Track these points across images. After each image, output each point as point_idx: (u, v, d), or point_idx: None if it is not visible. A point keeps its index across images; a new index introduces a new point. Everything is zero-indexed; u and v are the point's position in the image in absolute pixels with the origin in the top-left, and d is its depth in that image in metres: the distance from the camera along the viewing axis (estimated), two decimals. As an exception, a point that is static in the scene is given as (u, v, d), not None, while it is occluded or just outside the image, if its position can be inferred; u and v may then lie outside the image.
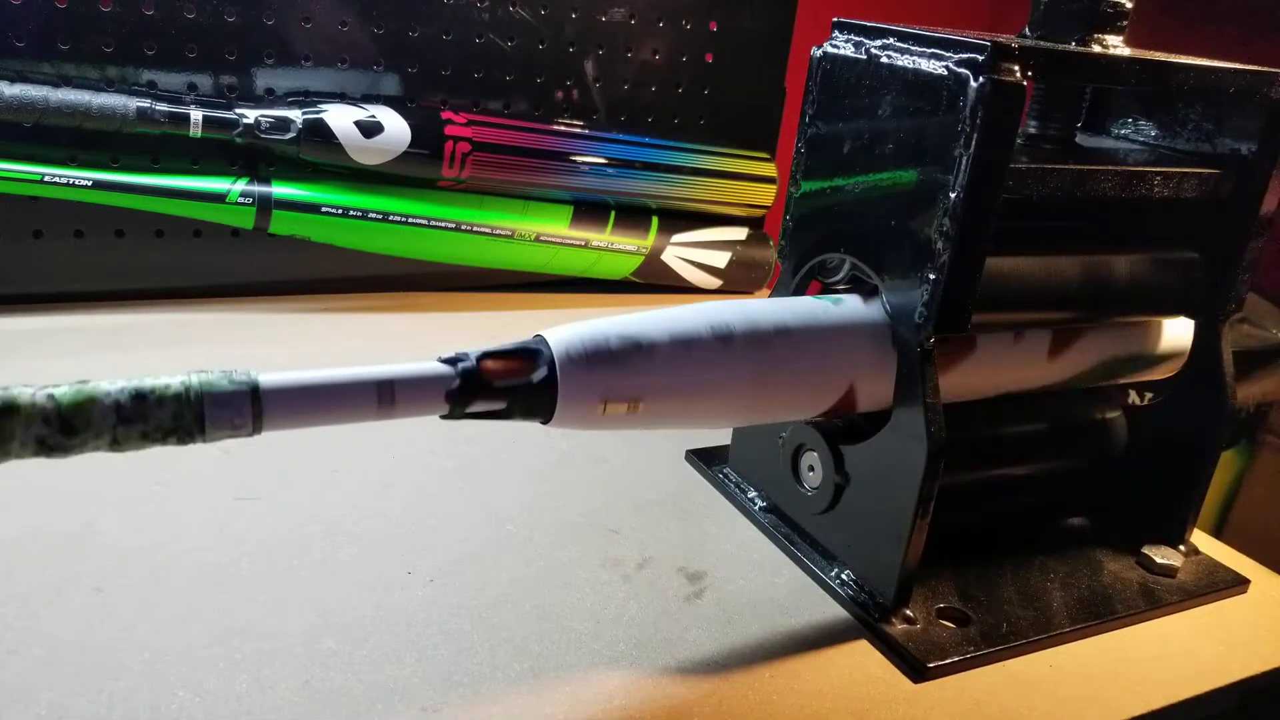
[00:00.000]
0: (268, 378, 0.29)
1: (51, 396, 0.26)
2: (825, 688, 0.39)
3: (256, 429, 0.28)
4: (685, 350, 0.37)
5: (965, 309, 0.39)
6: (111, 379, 0.27)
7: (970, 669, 0.41)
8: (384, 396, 0.30)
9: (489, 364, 0.33)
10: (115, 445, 0.26)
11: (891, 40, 0.41)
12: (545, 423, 0.35)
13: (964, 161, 0.37)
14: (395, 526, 0.46)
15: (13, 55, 0.61)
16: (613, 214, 0.78)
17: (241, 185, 0.66)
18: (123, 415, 0.26)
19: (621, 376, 0.36)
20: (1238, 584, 0.48)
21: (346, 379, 0.30)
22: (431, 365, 0.32)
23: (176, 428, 0.27)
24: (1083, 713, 0.39)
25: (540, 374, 0.34)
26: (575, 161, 0.75)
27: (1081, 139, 0.50)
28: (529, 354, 0.34)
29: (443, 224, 0.72)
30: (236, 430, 0.28)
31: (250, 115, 0.65)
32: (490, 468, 0.52)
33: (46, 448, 0.26)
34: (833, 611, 0.43)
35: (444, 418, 0.33)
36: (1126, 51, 0.42)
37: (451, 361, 0.32)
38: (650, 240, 0.79)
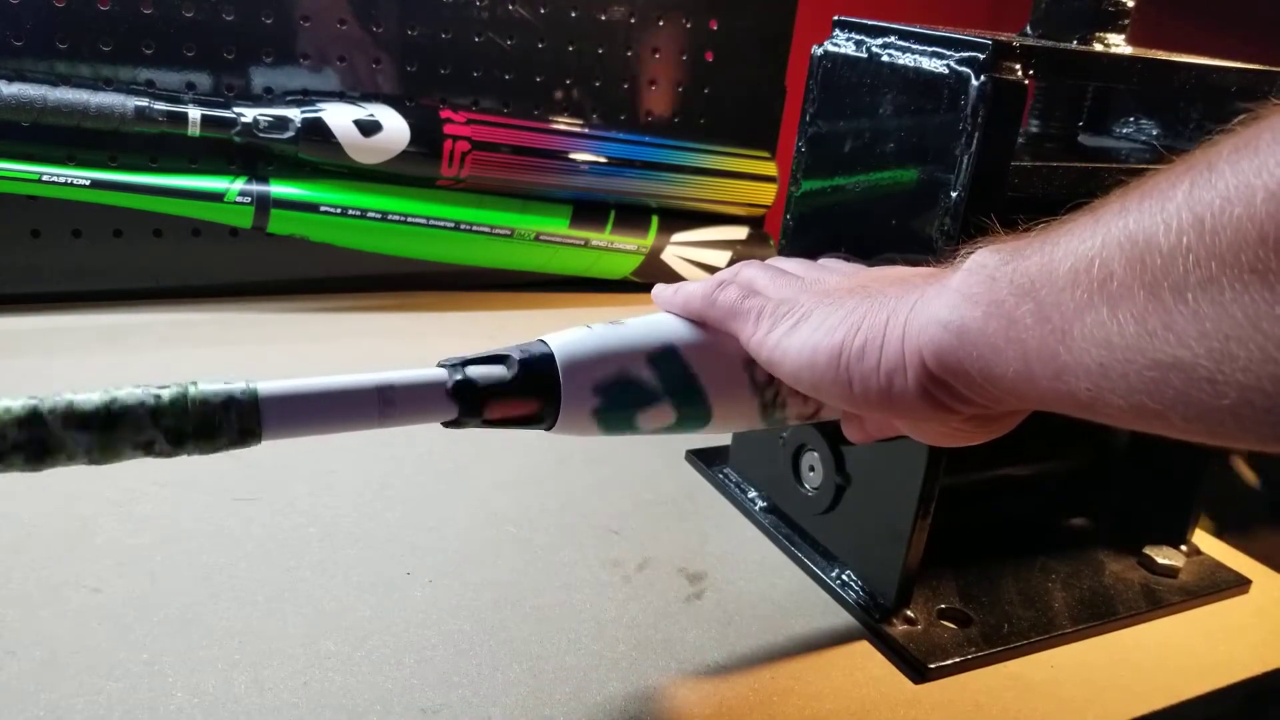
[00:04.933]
0: (267, 386, 0.28)
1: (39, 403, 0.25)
2: (826, 689, 0.39)
3: (256, 439, 0.28)
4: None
5: (967, 309, 0.39)
6: (109, 386, 0.27)
7: (971, 670, 0.41)
8: (384, 402, 0.30)
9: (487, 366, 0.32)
10: (108, 455, 0.26)
11: (893, 39, 0.41)
12: (549, 428, 0.34)
13: (965, 161, 0.37)
14: (394, 528, 0.46)
15: (11, 54, 0.61)
16: (612, 214, 0.78)
17: (240, 184, 0.65)
18: (121, 423, 0.26)
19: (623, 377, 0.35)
20: (1239, 584, 0.48)
21: (346, 386, 0.30)
22: (431, 369, 0.32)
23: (176, 438, 0.27)
24: (1084, 713, 0.39)
25: (541, 363, 0.33)
26: (575, 161, 0.75)
27: (1084, 138, 0.49)
28: (529, 353, 0.34)
29: (442, 223, 0.71)
30: (236, 440, 0.28)
31: (249, 114, 0.65)
32: (490, 469, 0.52)
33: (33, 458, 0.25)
34: (834, 612, 0.43)
35: (447, 425, 0.32)
36: (1128, 50, 0.42)
37: (450, 364, 0.32)
38: (650, 240, 0.79)
